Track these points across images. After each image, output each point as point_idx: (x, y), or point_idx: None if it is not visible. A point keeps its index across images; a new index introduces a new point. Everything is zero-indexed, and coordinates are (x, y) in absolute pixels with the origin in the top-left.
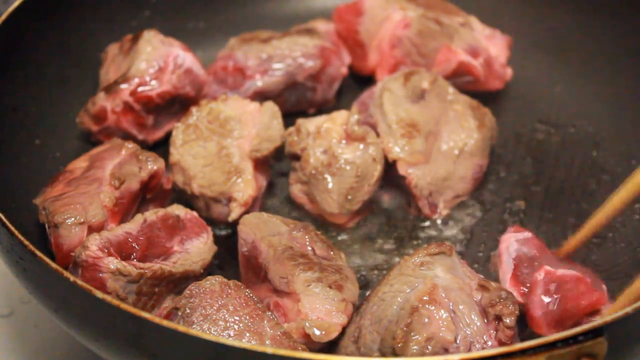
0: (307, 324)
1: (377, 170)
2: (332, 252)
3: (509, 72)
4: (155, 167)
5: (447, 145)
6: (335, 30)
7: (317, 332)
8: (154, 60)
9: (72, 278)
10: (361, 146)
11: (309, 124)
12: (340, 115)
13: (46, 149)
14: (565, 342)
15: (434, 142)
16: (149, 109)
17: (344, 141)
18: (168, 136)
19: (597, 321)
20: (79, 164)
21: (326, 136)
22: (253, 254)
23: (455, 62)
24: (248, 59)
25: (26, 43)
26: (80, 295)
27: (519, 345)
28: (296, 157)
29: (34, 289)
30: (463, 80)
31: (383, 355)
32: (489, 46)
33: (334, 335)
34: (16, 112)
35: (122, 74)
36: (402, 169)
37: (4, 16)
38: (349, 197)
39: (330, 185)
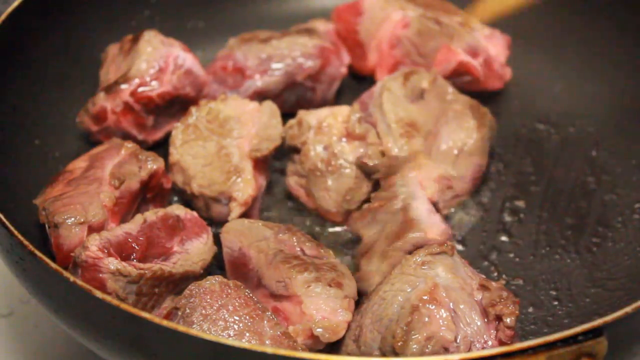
0: (314, 325)
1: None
2: (322, 250)
3: (508, 72)
4: (155, 167)
5: (447, 145)
6: (334, 30)
7: (325, 334)
8: (155, 60)
9: (72, 278)
10: (361, 148)
11: (311, 117)
12: (341, 111)
13: (46, 149)
14: (565, 341)
15: (433, 142)
16: (149, 109)
17: (344, 139)
18: (168, 136)
19: (597, 321)
20: (79, 164)
21: (327, 132)
22: (241, 261)
23: (455, 62)
24: (248, 59)
25: (26, 43)
26: (80, 295)
27: (519, 345)
28: (296, 150)
29: (34, 289)
30: (462, 80)
31: (383, 354)
32: (488, 46)
33: (341, 334)
34: (16, 112)
35: (122, 74)
36: None
37: (3, 16)
38: (348, 197)
39: (329, 183)
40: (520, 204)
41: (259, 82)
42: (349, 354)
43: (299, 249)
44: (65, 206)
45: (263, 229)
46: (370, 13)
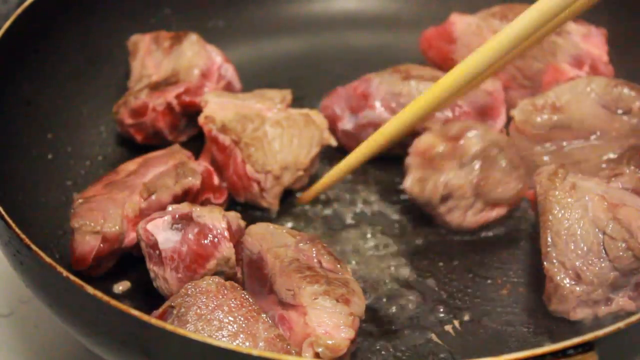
0: (315, 342)
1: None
2: (338, 265)
3: (611, 70)
4: (190, 184)
5: None
6: (501, 86)
7: (327, 351)
8: (201, 67)
9: (64, 273)
10: (473, 132)
11: (415, 172)
12: (426, 139)
13: (58, 144)
14: (555, 355)
15: None
16: (187, 113)
17: (458, 143)
18: (190, 138)
19: (588, 335)
20: (129, 166)
21: (446, 158)
22: (258, 265)
23: (565, 81)
24: (379, 89)
25: (43, 37)
26: (72, 290)
27: (506, 356)
28: (444, 198)
29: (30, 282)
30: None
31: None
32: (589, 47)
33: (342, 352)
34: (30, 105)
35: (171, 75)
36: None
37: (20, 10)
38: (520, 169)
39: (499, 175)
40: None
41: (376, 115)
42: (571, 293)
43: (316, 261)
44: (88, 211)
45: (286, 235)
46: (464, 40)
